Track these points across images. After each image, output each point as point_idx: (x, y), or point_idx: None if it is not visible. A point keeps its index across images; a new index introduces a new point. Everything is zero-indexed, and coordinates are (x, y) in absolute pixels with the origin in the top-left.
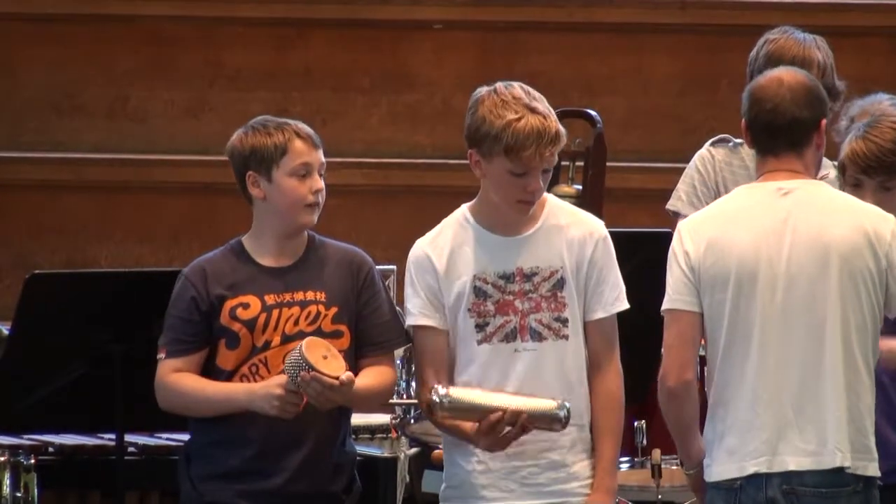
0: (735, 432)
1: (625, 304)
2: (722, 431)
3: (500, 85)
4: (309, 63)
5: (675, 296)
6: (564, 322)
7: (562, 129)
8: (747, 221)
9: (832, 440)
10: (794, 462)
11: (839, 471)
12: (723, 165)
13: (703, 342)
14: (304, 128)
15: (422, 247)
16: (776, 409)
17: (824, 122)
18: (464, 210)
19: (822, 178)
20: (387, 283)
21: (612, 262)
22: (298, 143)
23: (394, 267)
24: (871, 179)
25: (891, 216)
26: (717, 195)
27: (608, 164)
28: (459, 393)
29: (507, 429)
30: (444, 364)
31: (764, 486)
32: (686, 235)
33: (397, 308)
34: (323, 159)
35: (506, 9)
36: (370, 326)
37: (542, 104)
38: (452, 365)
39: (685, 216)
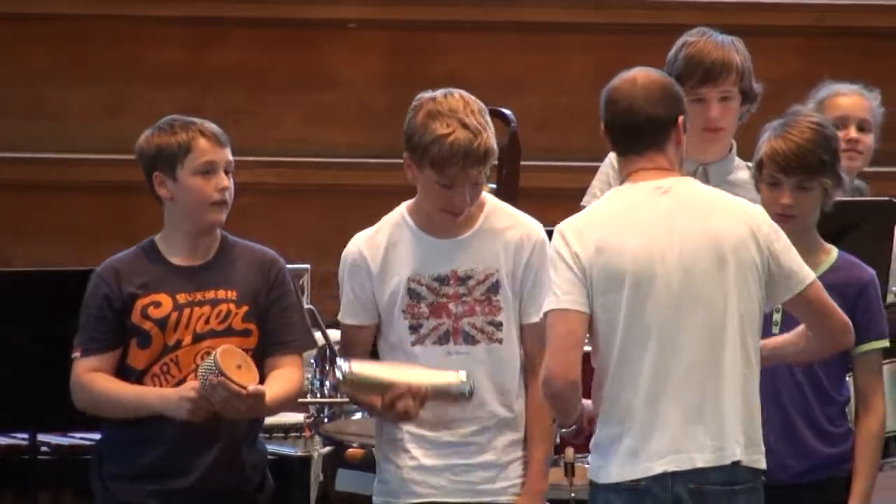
0: (635, 433)
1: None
2: (620, 433)
3: (440, 94)
4: (224, 62)
5: (566, 296)
6: (498, 326)
7: (493, 146)
8: (633, 222)
9: (731, 435)
10: (700, 459)
11: (736, 465)
12: None
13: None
14: (210, 126)
15: (357, 244)
16: (678, 407)
17: (682, 119)
18: (402, 210)
19: (734, 178)
20: (300, 282)
21: (547, 265)
22: (202, 142)
23: (308, 266)
24: (789, 179)
25: (760, 207)
26: None
27: (523, 162)
28: (362, 369)
29: (410, 402)
30: (363, 353)
31: (671, 486)
32: (571, 237)
33: (310, 307)
34: (230, 157)
35: (421, 7)
36: (278, 326)
37: (476, 118)
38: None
39: None
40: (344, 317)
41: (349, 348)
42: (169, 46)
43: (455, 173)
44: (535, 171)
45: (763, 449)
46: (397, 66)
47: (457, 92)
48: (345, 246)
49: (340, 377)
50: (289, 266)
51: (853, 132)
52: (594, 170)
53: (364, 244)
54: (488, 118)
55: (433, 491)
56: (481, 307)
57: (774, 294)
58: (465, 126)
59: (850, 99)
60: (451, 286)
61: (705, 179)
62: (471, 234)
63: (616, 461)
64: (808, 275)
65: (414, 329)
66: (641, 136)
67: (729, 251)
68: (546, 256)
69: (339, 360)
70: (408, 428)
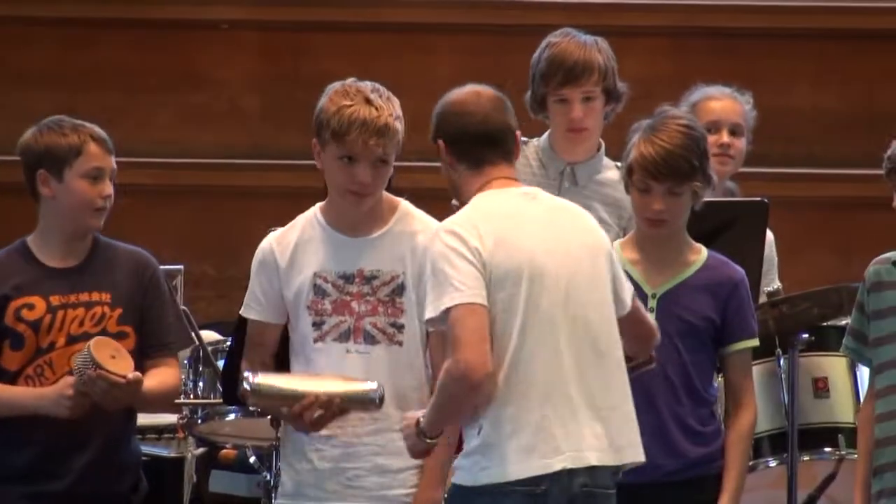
0: (531, 430)
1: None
2: (513, 430)
3: (351, 80)
4: (96, 62)
5: (471, 290)
6: (400, 328)
7: (396, 126)
8: (520, 221)
9: (621, 436)
10: (594, 457)
11: (621, 467)
12: None
13: None
14: (99, 132)
15: (269, 240)
16: (572, 405)
17: (518, 133)
18: (315, 208)
19: (602, 177)
20: (174, 283)
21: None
22: (93, 147)
23: (181, 267)
24: (660, 185)
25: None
26: None
27: (396, 163)
28: (269, 380)
29: (320, 412)
30: (268, 355)
31: (568, 484)
32: (467, 233)
33: (183, 308)
34: (114, 165)
35: (293, 8)
36: (155, 328)
37: (382, 99)
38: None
39: None
40: (247, 311)
41: (252, 347)
42: (39, 47)
43: (353, 141)
44: (407, 171)
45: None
46: (269, 67)
47: (370, 83)
48: (217, 246)
49: (248, 388)
50: (162, 267)
51: (725, 136)
52: None
53: (275, 240)
54: (398, 108)
55: (326, 495)
56: (384, 308)
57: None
58: (368, 101)
59: (722, 103)
60: (356, 284)
61: (573, 179)
62: (380, 234)
63: (511, 459)
64: (628, 296)
65: (317, 325)
66: (498, 145)
67: (600, 257)
68: None
69: (247, 373)
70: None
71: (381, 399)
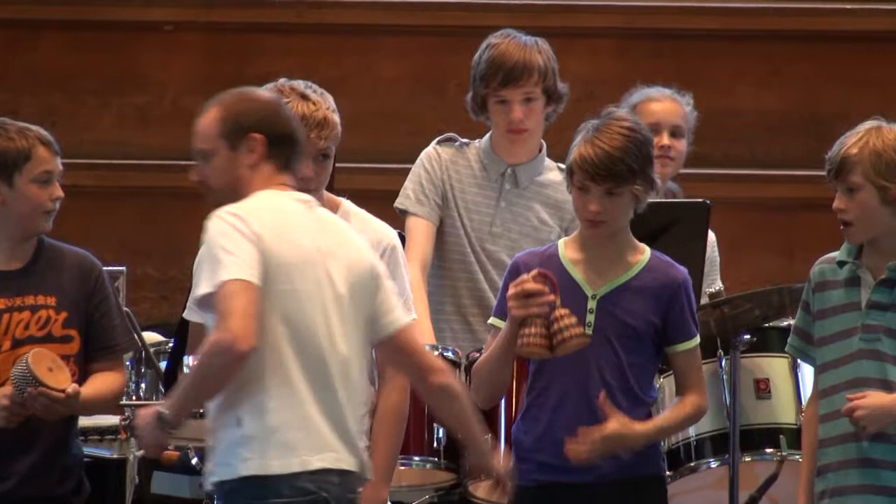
0: (294, 426)
1: (412, 315)
2: (276, 424)
3: (284, 79)
4: (38, 64)
5: (250, 269)
6: None
7: (333, 117)
8: (300, 221)
9: (361, 442)
10: (351, 462)
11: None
12: (448, 164)
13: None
14: (46, 134)
15: None
16: (336, 406)
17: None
18: None
19: (543, 179)
20: (116, 284)
21: (399, 271)
22: (42, 150)
23: (123, 268)
24: (597, 186)
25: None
26: (444, 193)
27: (337, 164)
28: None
29: None
30: None
31: (328, 483)
32: (250, 218)
33: (126, 310)
34: (61, 166)
35: (236, 10)
36: (100, 331)
37: (318, 95)
38: None
39: (414, 214)
40: (190, 314)
41: (195, 349)
42: None
43: None
44: (348, 172)
45: None
46: (212, 69)
47: (302, 81)
48: (159, 248)
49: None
50: (104, 268)
51: (666, 139)
52: (407, 171)
53: None
54: (332, 103)
55: None
56: None
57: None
58: (304, 97)
59: (663, 105)
60: None
61: (514, 181)
62: None
63: (272, 454)
64: (399, 316)
65: None
66: (297, 152)
67: (367, 276)
68: (397, 262)
69: (187, 358)
70: None
71: None
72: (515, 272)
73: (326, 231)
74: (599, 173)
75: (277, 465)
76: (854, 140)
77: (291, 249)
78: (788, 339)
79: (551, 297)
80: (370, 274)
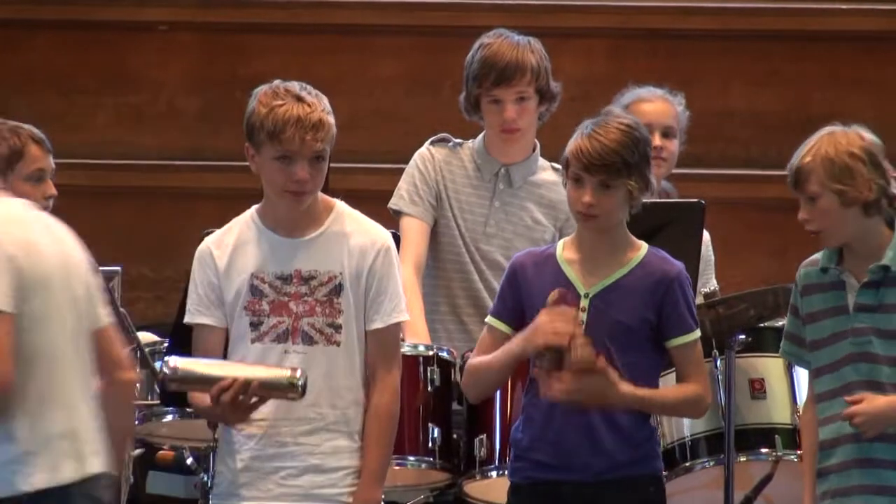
0: (54, 440)
1: (404, 316)
2: (37, 439)
3: (278, 81)
4: (32, 64)
5: (6, 298)
6: (338, 328)
7: (328, 119)
8: (36, 229)
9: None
10: (95, 465)
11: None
12: (442, 164)
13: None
14: (37, 132)
15: (207, 243)
16: (85, 415)
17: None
18: (252, 210)
19: (537, 178)
20: (111, 284)
21: (393, 272)
22: (34, 149)
23: (118, 269)
24: (592, 177)
25: None
26: (438, 193)
27: (332, 164)
28: (188, 363)
29: (241, 397)
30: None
31: (89, 490)
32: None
33: (122, 310)
34: (53, 165)
35: (231, 10)
36: None
37: (312, 97)
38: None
39: (408, 214)
40: (192, 316)
41: (198, 352)
42: None
43: (290, 139)
44: (344, 172)
45: None
46: (206, 69)
47: (298, 83)
48: (154, 248)
49: (167, 372)
50: (100, 269)
51: (658, 139)
52: (402, 171)
53: (213, 242)
54: (327, 104)
55: (260, 494)
56: (322, 308)
57: None
58: (299, 99)
59: (654, 105)
60: (294, 285)
61: (508, 181)
62: (316, 234)
63: (38, 467)
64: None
65: (255, 326)
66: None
67: (86, 274)
68: (391, 264)
69: (167, 357)
70: (240, 428)
71: (304, 388)
72: (514, 274)
73: (53, 234)
74: (593, 163)
75: (41, 479)
76: (807, 149)
77: (41, 262)
78: (781, 345)
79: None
80: (86, 271)
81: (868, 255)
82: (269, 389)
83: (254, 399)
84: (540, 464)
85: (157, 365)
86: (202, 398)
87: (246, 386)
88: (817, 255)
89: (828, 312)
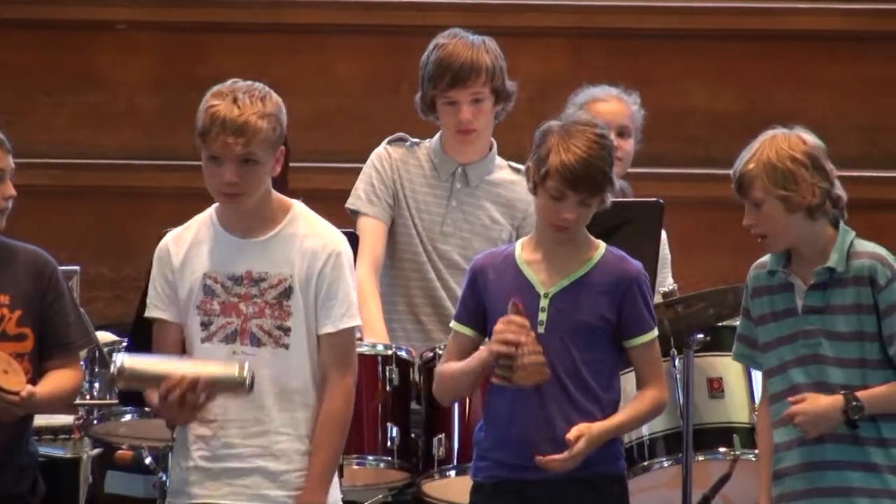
0: None
1: (356, 321)
2: None
3: (232, 80)
4: None
5: None
6: (286, 331)
7: (259, 123)
8: None
9: None
10: None
11: None
12: (399, 164)
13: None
14: None
15: (166, 239)
16: None
17: None
18: (211, 209)
19: (494, 177)
20: (70, 283)
21: (343, 277)
22: None
23: (77, 268)
24: (576, 194)
25: None
26: (395, 193)
27: (291, 164)
28: (135, 362)
29: (190, 395)
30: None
31: None
32: None
33: (81, 310)
34: (13, 164)
35: (190, 10)
36: (54, 328)
37: (252, 99)
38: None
39: (365, 214)
40: (149, 310)
41: (156, 348)
42: None
43: (213, 140)
44: (303, 172)
45: None
46: (166, 68)
47: (257, 83)
48: (113, 247)
49: (115, 371)
50: (59, 268)
51: (613, 139)
52: (359, 171)
53: (172, 239)
54: (275, 108)
55: (208, 493)
56: (271, 310)
57: None
58: (234, 100)
59: (609, 105)
60: (244, 286)
61: (465, 181)
62: (269, 236)
63: None
64: None
65: (205, 326)
66: None
67: None
68: (341, 268)
69: (115, 355)
70: (193, 428)
71: (251, 385)
72: (474, 277)
73: None
74: (580, 181)
75: None
76: (749, 155)
77: None
78: (734, 347)
79: (529, 335)
80: None
81: (814, 258)
82: (217, 386)
83: (202, 397)
84: (503, 463)
85: None
86: (155, 396)
87: (194, 383)
88: (766, 258)
89: (777, 315)
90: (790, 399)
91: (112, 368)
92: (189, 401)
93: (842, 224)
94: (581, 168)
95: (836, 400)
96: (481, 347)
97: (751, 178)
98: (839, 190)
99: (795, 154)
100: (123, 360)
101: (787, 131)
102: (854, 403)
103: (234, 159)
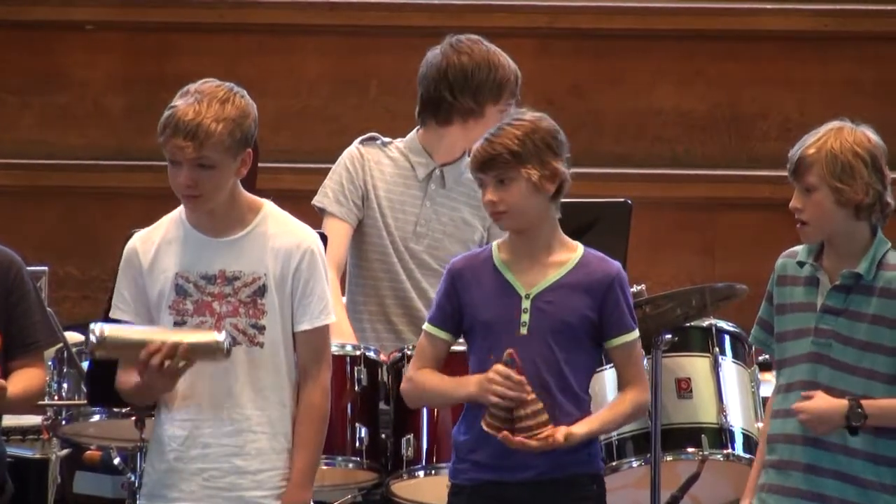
0: None
1: (332, 318)
2: None
3: (203, 80)
4: None
5: None
6: (261, 329)
7: (212, 127)
8: None
9: None
10: None
11: None
12: (372, 164)
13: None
14: None
15: (133, 240)
16: None
17: None
18: (180, 209)
19: (466, 178)
20: (38, 284)
21: (318, 274)
22: None
23: (45, 268)
24: (487, 176)
25: None
26: (366, 192)
27: (260, 164)
28: (115, 330)
29: (168, 361)
30: None
31: None
32: None
33: (48, 309)
34: None
35: (157, 10)
36: (20, 328)
37: (215, 103)
38: None
39: (332, 214)
40: (114, 312)
41: None
42: None
43: (166, 142)
44: (270, 172)
45: None
46: (133, 68)
47: (227, 84)
48: (81, 247)
49: (94, 340)
50: (27, 268)
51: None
52: (327, 171)
53: (140, 240)
54: (236, 112)
55: (182, 495)
56: (245, 309)
57: None
58: (194, 103)
59: None
60: (218, 285)
61: (441, 181)
62: (241, 235)
63: None
64: None
65: (178, 325)
66: None
67: None
68: (316, 265)
69: (92, 324)
70: (167, 428)
71: (229, 350)
72: (451, 281)
73: None
74: (483, 161)
75: None
76: (813, 140)
77: None
78: (752, 330)
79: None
80: None
81: (847, 256)
82: (196, 351)
83: (181, 363)
84: (481, 465)
85: (84, 364)
86: (128, 378)
87: (174, 348)
88: (797, 248)
89: (797, 307)
90: (803, 394)
91: (92, 337)
92: (168, 368)
93: (880, 232)
94: (481, 148)
95: (842, 404)
96: (469, 377)
97: (809, 163)
98: (890, 197)
99: (858, 149)
100: (103, 328)
101: (854, 126)
102: (858, 410)
103: (188, 163)
